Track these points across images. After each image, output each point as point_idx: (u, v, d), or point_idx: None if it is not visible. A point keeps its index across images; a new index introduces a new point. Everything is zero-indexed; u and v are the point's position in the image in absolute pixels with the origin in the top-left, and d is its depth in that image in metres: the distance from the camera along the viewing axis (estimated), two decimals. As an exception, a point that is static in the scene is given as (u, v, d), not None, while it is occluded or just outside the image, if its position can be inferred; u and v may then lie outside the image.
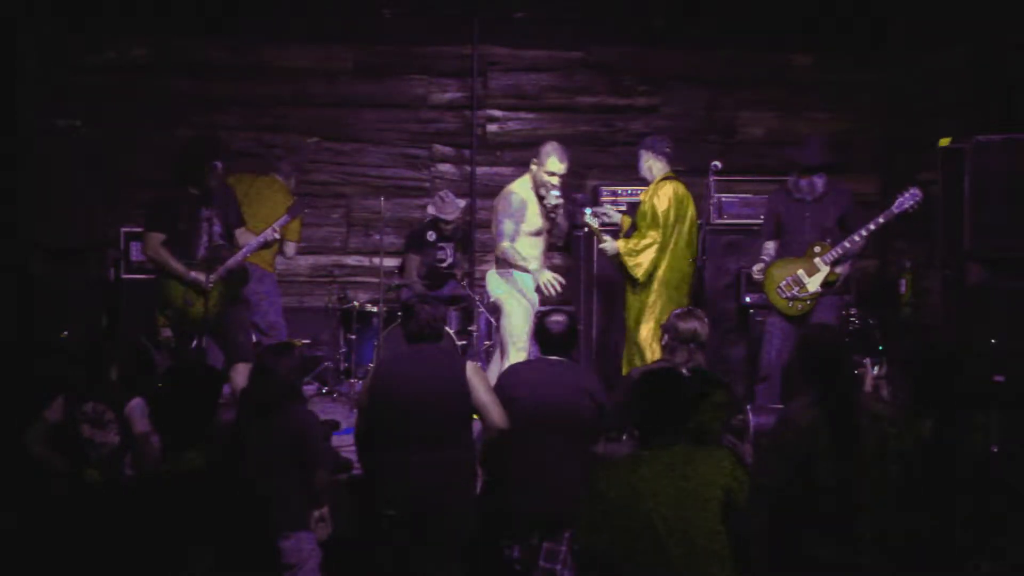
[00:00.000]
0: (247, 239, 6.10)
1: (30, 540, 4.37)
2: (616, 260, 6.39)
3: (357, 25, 8.28)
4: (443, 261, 7.80)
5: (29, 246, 7.09)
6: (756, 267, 6.25)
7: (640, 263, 6.27)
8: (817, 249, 6.05)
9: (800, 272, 6.08)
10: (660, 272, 6.30)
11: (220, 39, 8.23)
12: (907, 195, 5.93)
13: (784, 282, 6.12)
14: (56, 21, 7.74)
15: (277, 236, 6.17)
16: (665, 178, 6.40)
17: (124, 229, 7.52)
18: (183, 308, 5.85)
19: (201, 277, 5.86)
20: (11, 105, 7.03)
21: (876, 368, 5.18)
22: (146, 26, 8.03)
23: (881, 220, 5.94)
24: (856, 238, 5.98)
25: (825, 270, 6.03)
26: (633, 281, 6.35)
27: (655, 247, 6.26)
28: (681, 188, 6.35)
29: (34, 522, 4.50)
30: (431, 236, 7.77)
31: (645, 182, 6.62)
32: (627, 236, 6.47)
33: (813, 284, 6.06)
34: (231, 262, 5.96)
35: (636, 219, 6.45)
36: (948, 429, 3.96)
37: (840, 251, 6.01)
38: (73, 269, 7.15)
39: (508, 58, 8.51)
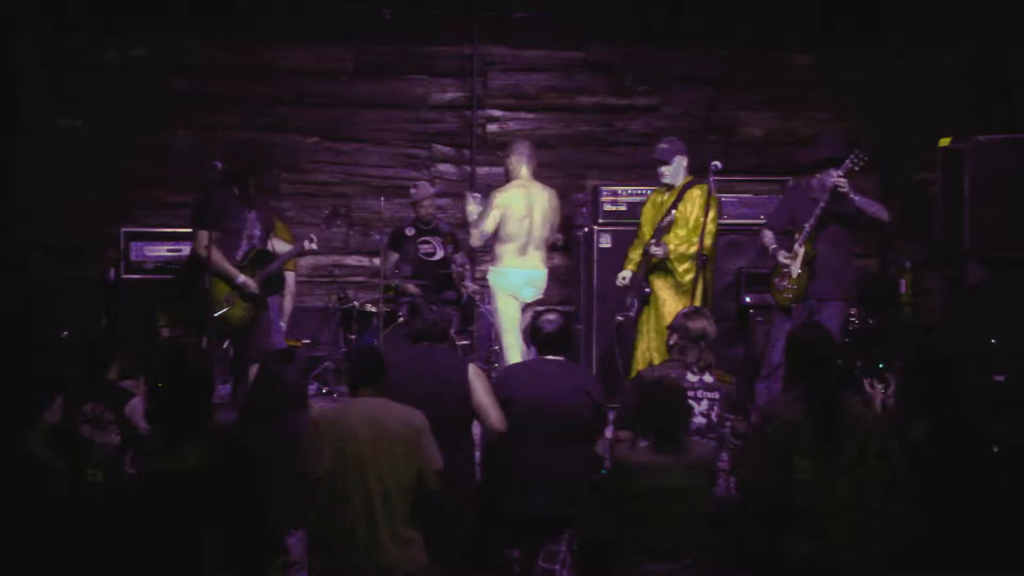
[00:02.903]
0: (281, 247, 6.30)
1: (30, 540, 4.38)
2: (655, 261, 6.40)
3: (357, 25, 8.28)
4: (432, 255, 7.75)
5: (29, 246, 7.09)
6: (782, 254, 6.29)
7: (690, 269, 6.30)
8: (796, 236, 6.19)
9: (787, 261, 6.19)
10: (704, 277, 6.31)
11: (220, 39, 8.23)
12: (852, 157, 6.00)
13: (777, 277, 6.32)
14: (56, 21, 7.74)
15: (314, 247, 6.30)
16: (693, 183, 6.40)
17: (124, 229, 7.53)
18: (224, 308, 5.93)
19: (250, 282, 5.98)
20: (11, 105, 7.03)
21: (882, 387, 5.22)
22: (146, 26, 8.03)
23: (828, 183, 6.03)
24: (817, 212, 6.10)
25: (802, 250, 6.17)
26: (678, 283, 6.36)
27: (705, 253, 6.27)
28: (711, 192, 6.37)
29: (34, 522, 4.51)
30: (410, 231, 7.75)
31: (647, 181, 6.62)
32: (657, 235, 6.46)
33: (796, 267, 6.21)
34: (272, 267, 6.09)
35: (671, 219, 6.42)
36: (945, 429, 3.98)
37: (808, 228, 6.15)
38: (73, 269, 7.15)
39: (508, 58, 8.51)
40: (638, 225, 6.66)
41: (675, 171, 6.47)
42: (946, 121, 7.23)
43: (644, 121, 8.53)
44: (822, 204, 6.08)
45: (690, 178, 6.46)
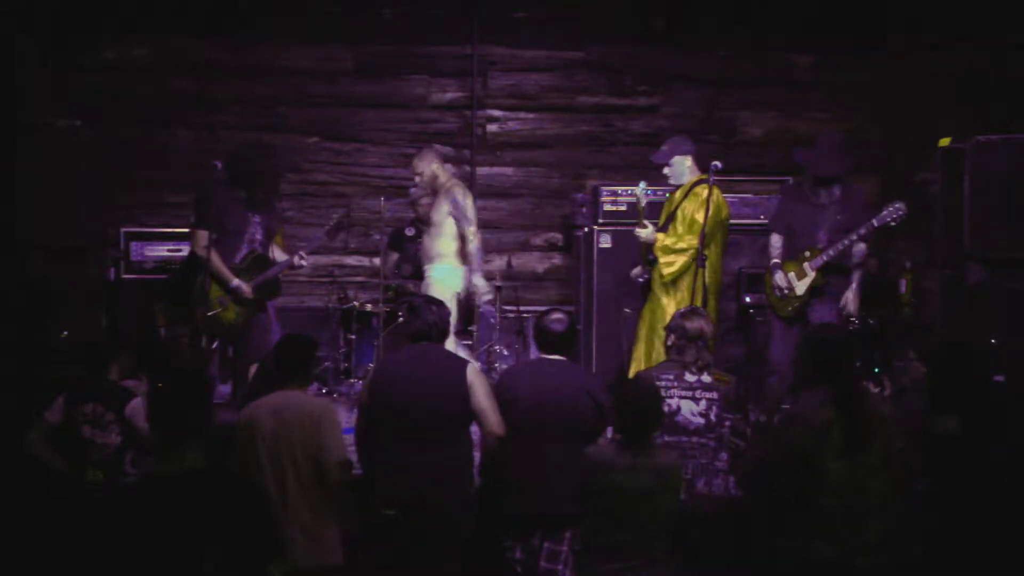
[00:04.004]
0: (280, 254, 6.32)
1: (31, 540, 4.37)
2: (645, 249, 6.42)
3: (357, 25, 8.28)
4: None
5: (29, 246, 7.09)
6: (777, 276, 6.30)
7: (672, 262, 6.32)
8: (807, 254, 6.21)
9: (791, 275, 6.19)
10: (708, 278, 6.32)
11: (220, 39, 8.23)
12: (891, 209, 6.02)
13: (782, 284, 6.25)
14: (56, 21, 7.74)
15: (303, 263, 6.31)
16: (702, 181, 6.40)
17: (124, 229, 7.53)
18: (216, 309, 5.94)
19: (244, 287, 5.98)
20: (11, 105, 7.03)
21: (879, 390, 5.23)
22: (146, 26, 8.03)
23: (863, 231, 6.06)
24: (839, 246, 6.11)
25: (812, 275, 6.15)
26: (665, 281, 6.37)
27: (690, 254, 6.26)
28: (719, 195, 6.36)
29: (34, 522, 4.50)
30: (410, 231, 7.76)
31: (647, 182, 6.62)
32: (662, 230, 6.46)
33: (801, 287, 6.21)
34: (269, 273, 6.09)
35: (673, 217, 6.43)
36: (974, 424, 3.97)
37: (825, 258, 6.13)
38: (73, 269, 7.15)
39: (508, 58, 8.51)
40: None
41: (677, 171, 6.49)
42: (946, 121, 7.23)
43: (644, 121, 8.53)
44: (846, 243, 6.08)
45: (700, 177, 6.46)
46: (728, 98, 8.59)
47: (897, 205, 6.03)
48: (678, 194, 6.51)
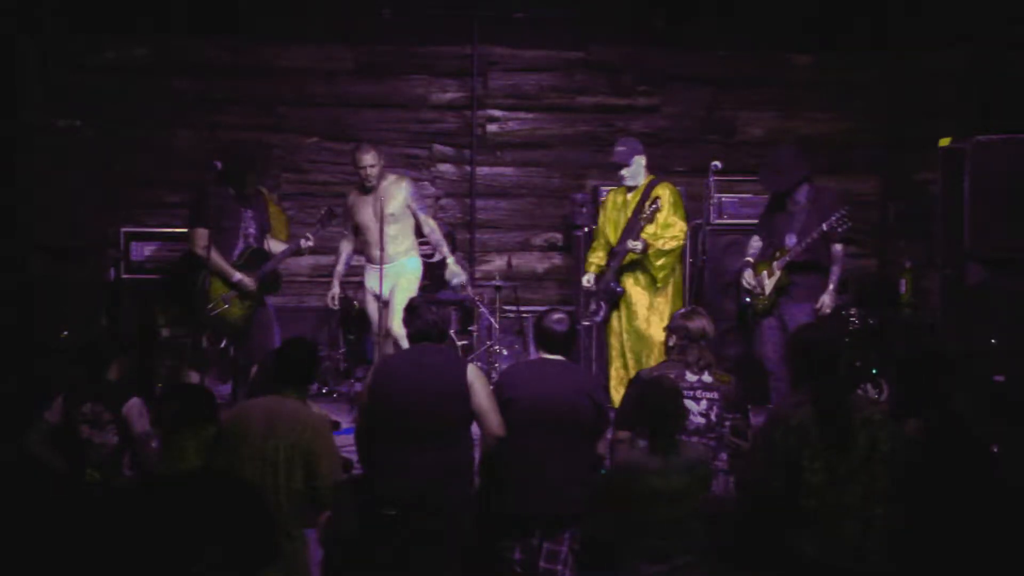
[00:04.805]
0: (276, 246, 6.33)
1: (30, 540, 4.37)
2: (633, 257, 6.41)
3: (357, 25, 8.28)
4: (430, 256, 7.74)
5: (29, 246, 7.09)
6: (746, 274, 6.32)
7: (665, 266, 6.34)
8: (776, 254, 6.22)
9: (763, 274, 6.27)
10: (677, 275, 6.30)
11: (220, 39, 8.23)
12: (836, 216, 5.98)
13: (751, 283, 6.36)
14: (56, 21, 7.74)
15: (311, 244, 6.30)
16: (654, 182, 6.46)
17: (124, 229, 7.52)
18: (221, 307, 5.95)
19: (247, 279, 5.98)
20: (11, 105, 7.03)
21: (877, 393, 5.22)
22: (146, 26, 8.03)
23: (815, 235, 6.04)
24: (798, 248, 6.12)
25: (777, 275, 6.16)
26: (652, 280, 6.37)
27: (676, 253, 6.28)
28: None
29: (34, 522, 4.50)
30: None
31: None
32: (628, 234, 6.46)
33: (768, 286, 6.23)
34: (268, 266, 6.10)
35: (647, 217, 6.44)
36: (937, 428, 3.97)
37: (788, 258, 6.16)
38: (73, 269, 7.15)
39: (508, 58, 8.51)
40: (595, 228, 6.71)
41: (635, 172, 6.55)
42: (946, 121, 7.23)
43: (644, 121, 8.53)
44: (805, 244, 6.07)
45: (652, 177, 6.51)
46: (728, 98, 8.59)
47: (841, 212, 5.97)
48: (632, 196, 6.52)
